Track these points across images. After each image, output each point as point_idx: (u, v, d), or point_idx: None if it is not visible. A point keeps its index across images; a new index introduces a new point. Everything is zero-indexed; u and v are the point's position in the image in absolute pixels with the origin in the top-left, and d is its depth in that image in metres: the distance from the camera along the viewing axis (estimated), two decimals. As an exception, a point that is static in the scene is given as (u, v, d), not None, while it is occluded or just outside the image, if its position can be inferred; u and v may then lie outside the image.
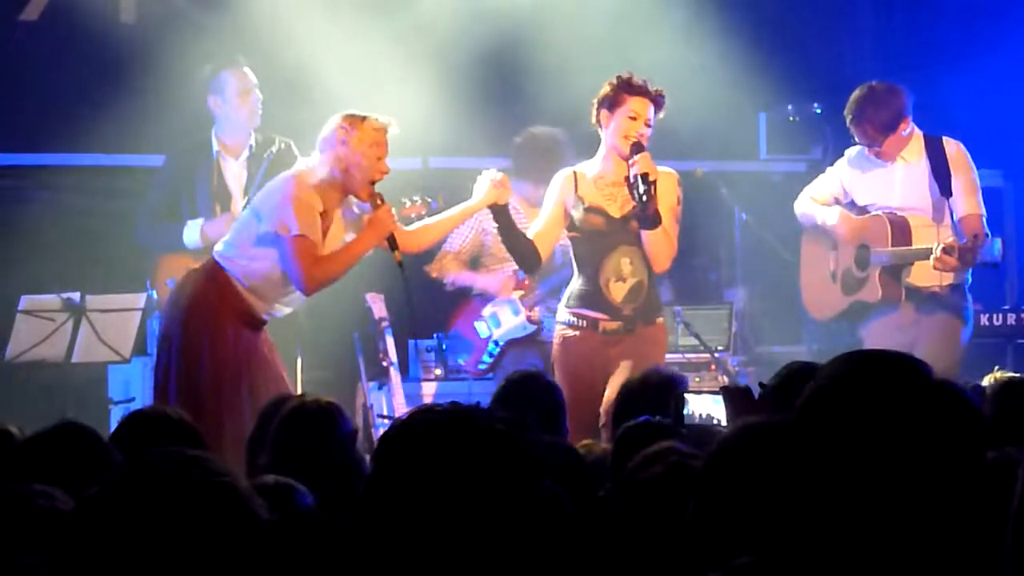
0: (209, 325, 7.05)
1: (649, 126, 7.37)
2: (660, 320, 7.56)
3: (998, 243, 7.64)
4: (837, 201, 8.31)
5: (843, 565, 2.21)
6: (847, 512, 2.23)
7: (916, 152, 8.07)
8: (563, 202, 7.51)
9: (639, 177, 7.26)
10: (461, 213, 7.56)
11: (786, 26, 11.13)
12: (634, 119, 7.35)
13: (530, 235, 7.54)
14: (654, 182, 7.27)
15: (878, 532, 2.21)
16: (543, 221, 7.58)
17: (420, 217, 8.11)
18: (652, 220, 7.32)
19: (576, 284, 7.52)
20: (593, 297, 7.43)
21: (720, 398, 4.22)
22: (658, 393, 5.06)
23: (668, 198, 7.41)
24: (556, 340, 7.59)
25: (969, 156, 8.04)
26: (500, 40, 10.20)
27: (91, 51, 9.92)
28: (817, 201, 8.34)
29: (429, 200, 8.30)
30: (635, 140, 7.34)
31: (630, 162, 7.30)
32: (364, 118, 7.02)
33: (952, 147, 8.05)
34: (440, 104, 9.66)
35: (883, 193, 8.11)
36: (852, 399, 2.28)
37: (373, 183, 7.07)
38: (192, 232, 8.63)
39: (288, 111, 9.16)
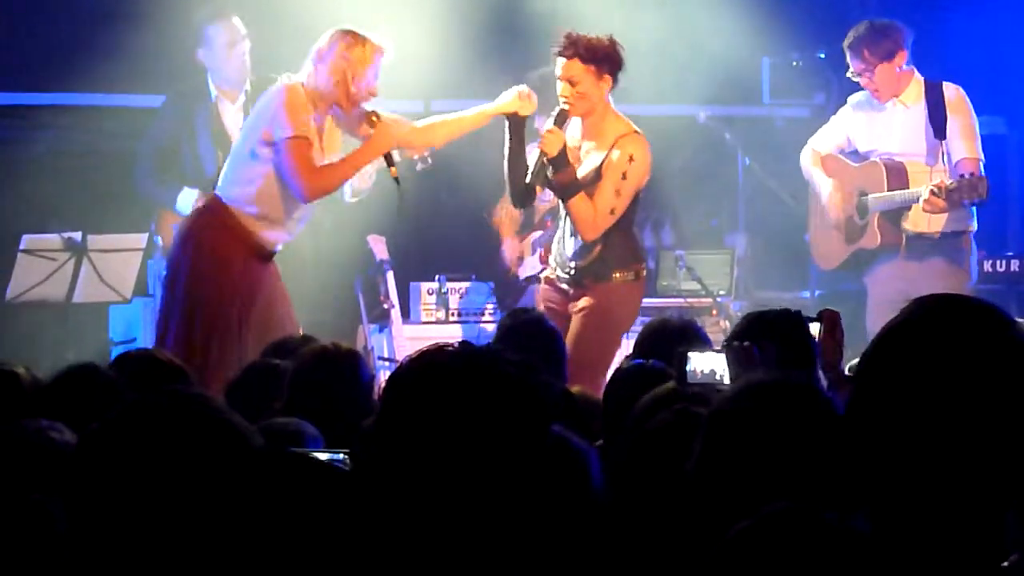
0: (217, 262, 7.04)
1: (574, 83, 7.17)
2: (619, 276, 7.37)
3: (984, 181, 7.61)
4: (841, 151, 8.28)
5: (902, 516, 2.18)
6: (908, 462, 2.19)
7: (915, 97, 8.05)
8: None
9: (539, 154, 7.21)
10: (478, 115, 7.49)
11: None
12: (559, 80, 7.24)
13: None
14: (549, 161, 7.18)
15: (941, 483, 2.17)
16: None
17: (424, 159, 8.08)
18: (563, 193, 7.27)
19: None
20: (554, 249, 7.54)
21: (718, 354, 4.16)
22: (675, 338, 5.03)
23: (614, 170, 7.27)
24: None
25: (969, 101, 8.01)
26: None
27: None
28: (820, 154, 8.32)
29: None
30: (562, 108, 7.21)
31: (540, 131, 7.27)
32: (366, 38, 7.01)
33: (951, 91, 8.03)
34: (443, 45, 9.61)
35: (882, 139, 8.10)
36: (923, 342, 2.22)
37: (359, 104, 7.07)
38: (187, 199, 8.58)
39: (289, 50, 9.11)
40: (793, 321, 4.41)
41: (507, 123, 7.43)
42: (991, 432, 2.16)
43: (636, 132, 7.35)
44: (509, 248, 9.36)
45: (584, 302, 7.36)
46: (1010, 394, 2.17)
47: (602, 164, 7.27)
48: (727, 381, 4.02)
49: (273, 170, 6.98)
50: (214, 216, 7.11)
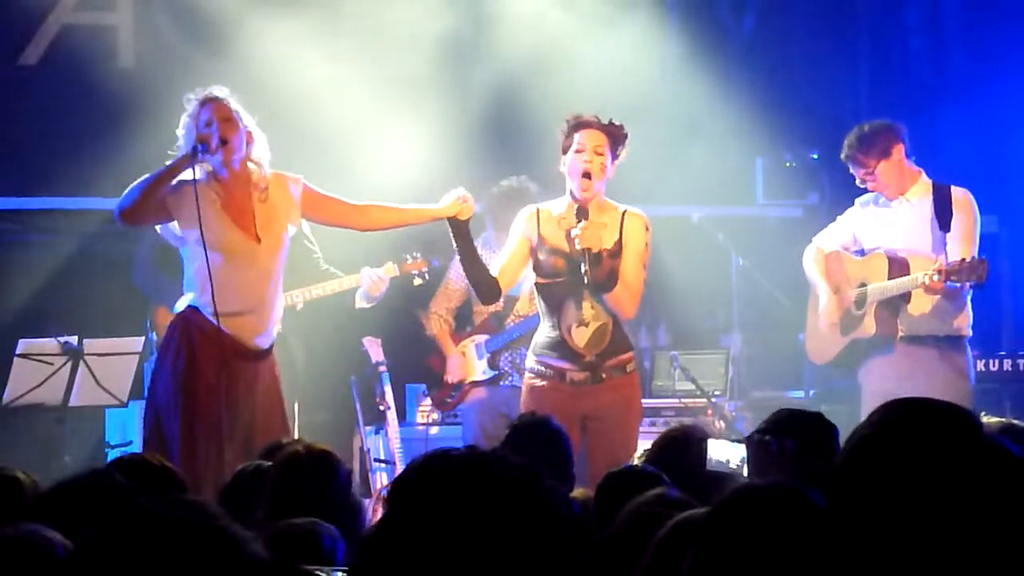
0: (187, 367, 6.99)
1: (600, 154, 7.14)
2: (631, 368, 7.32)
3: (984, 264, 7.67)
4: (846, 250, 8.29)
5: None
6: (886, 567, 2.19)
7: (921, 194, 8.07)
8: (527, 238, 7.33)
9: (583, 252, 7.11)
10: (422, 212, 7.39)
11: (782, 71, 11.17)
12: (580, 151, 7.14)
13: (495, 270, 7.33)
14: (599, 253, 7.12)
15: None
16: (507, 255, 7.38)
17: (421, 274, 8.24)
18: (602, 288, 7.18)
19: (541, 331, 7.35)
20: (557, 344, 7.26)
21: (734, 444, 4.46)
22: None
23: (635, 242, 7.25)
24: (524, 388, 7.43)
25: (975, 205, 8.02)
26: (498, 89, 10.23)
27: (90, 95, 9.95)
28: (823, 251, 8.32)
29: (430, 258, 8.37)
30: (580, 199, 7.16)
31: (572, 234, 7.15)
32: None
33: (959, 192, 8.06)
34: (439, 153, 9.67)
35: (887, 235, 8.10)
36: (898, 449, 2.23)
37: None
38: (184, 304, 8.62)
39: (285, 153, 9.17)
40: (816, 422, 4.53)
41: (449, 227, 7.29)
42: (966, 537, 2.17)
43: None
44: (455, 366, 9.18)
45: (610, 404, 7.21)
46: (983, 498, 2.18)
47: (620, 239, 7.23)
48: (743, 470, 4.38)
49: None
50: (187, 320, 7.10)
